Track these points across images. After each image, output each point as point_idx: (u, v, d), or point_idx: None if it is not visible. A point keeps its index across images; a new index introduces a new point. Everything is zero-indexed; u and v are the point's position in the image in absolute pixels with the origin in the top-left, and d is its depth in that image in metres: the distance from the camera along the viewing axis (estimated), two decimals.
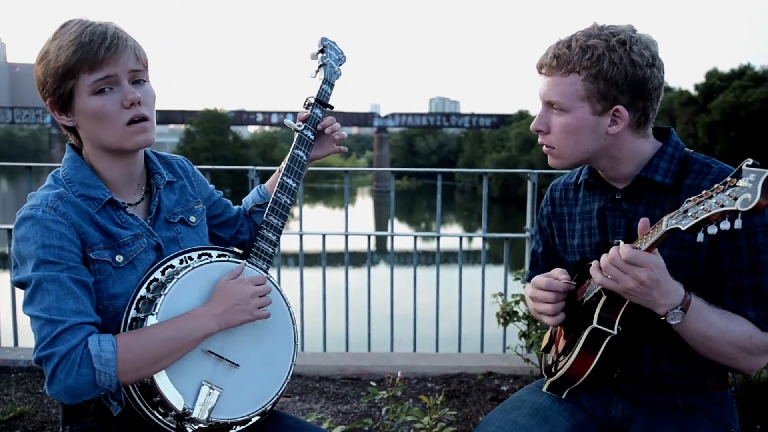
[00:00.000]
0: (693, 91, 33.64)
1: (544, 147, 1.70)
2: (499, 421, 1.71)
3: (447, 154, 76.90)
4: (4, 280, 4.43)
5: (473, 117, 63.13)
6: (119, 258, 1.47)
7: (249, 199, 1.95)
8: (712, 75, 32.79)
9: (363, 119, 63.76)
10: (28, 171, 4.46)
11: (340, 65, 1.99)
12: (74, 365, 1.30)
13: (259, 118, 61.44)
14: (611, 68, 1.53)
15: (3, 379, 3.76)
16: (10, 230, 4.38)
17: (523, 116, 55.59)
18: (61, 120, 1.48)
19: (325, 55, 1.96)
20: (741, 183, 1.21)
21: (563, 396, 1.75)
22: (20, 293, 4.23)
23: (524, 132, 48.64)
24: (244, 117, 62.06)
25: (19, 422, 3.20)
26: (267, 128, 76.35)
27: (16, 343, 4.34)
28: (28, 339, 4.33)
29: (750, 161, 1.25)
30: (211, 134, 57.20)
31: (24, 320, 4.26)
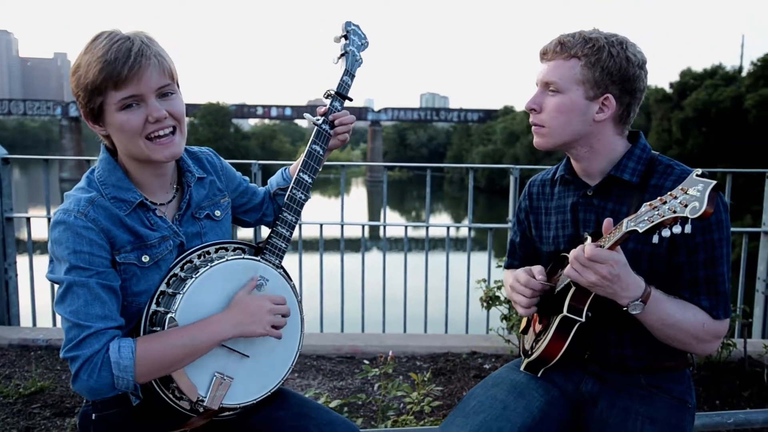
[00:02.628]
0: (668, 89, 33.66)
1: (534, 126, 1.75)
2: (480, 396, 1.78)
3: (437, 146, 76.72)
4: (23, 264, 4.45)
5: (461, 112, 62.96)
6: (145, 258, 1.47)
7: (273, 182, 1.92)
8: (686, 74, 32.80)
9: (357, 113, 63.46)
10: (44, 164, 4.48)
11: (363, 51, 1.87)
12: (96, 369, 1.34)
13: (259, 111, 61.12)
14: (608, 59, 1.61)
15: (23, 356, 3.80)
16: (27, 219, 4.42)
17: (508, 111, 55.49)
18: (94, 129, 1.48)
19: (348, 42, 1.84)
20: (691, 192, 1.27)
21: (539, 374, 1.82)
22: (39, 276, 4.28)
23: (509, 126, 48.62)
24: (245, 110, 61.70)
25: (40, 396, 3.25)
26: (267, 121, 76.03)
27: (34, 323, 4.39)
28: (46, 319, 4.40)
29: (699, 171, 1.31)
30: (214, 126, 56.83)
31: (42, 302, 4.31)
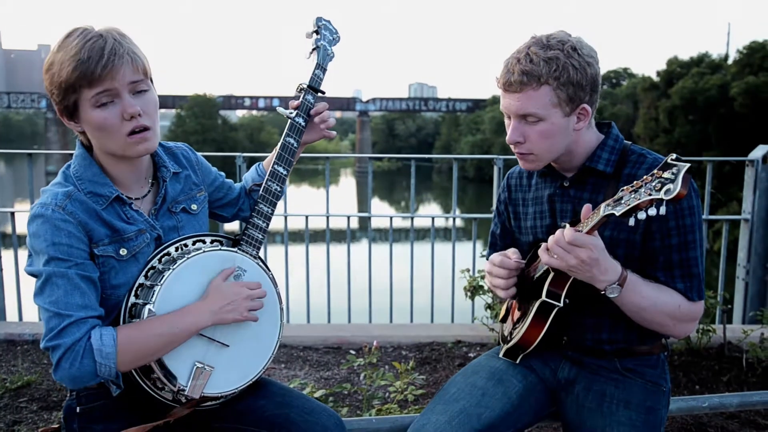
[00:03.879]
0: (655, 78, 33.78)
1: (519, 155, 1.74)
2: (460, 384, 1.82)
3: (425, 136, 76.67)
4: (8, 258, 4.44)
5: (450, 102, 62.93)
6: (123, 251, 1.49)
7: (248, 178, 1.95)
8: (673, 62, 32.90)
9: (346, 104, 63.28)
10: (28, 158, 4.47)
11: (334, 46, 1.92)
12: (78, 357, 1.35)
13: (247, 102, 60.77)
14: (575, 73, 1.61)
15: (10, 351, 3.81)
16: (12, 213, 4.41)
17: (496, 101, 54.60)
18: (70, 125, 1.50)
19: (319, 36, 1.89)
20: (666, 175, 1.31)
21: (517, 361, 1.86)
22: (23, 271, 4.29)
23: (498, 116, 48.55)
24: (232, 101, 61.32)
25: (26, 390, 3.26)
26: (254, 112, 75.57)
27: (20, 318, 4.39)
28: (32, 314, 4.39)
29: (674, 155, 1.35)
30: (201, 118, 56.47)
31: (28, 296, 4.31)
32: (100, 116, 1.43)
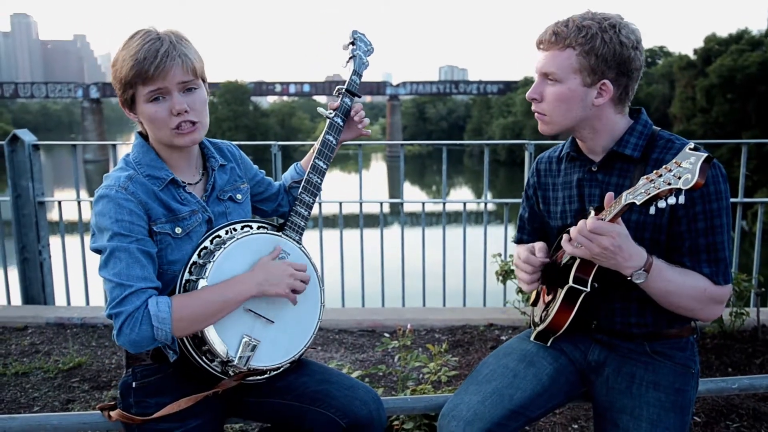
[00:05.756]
0: (692, 56, 32.98)
1: (536, 114, 1.82)
2: (492, 365, 1.88)
3: (456, 119, 76.19)
4: (57, 246, 4.64)
5: (481, 84, 62.35)
6: (178, 230, 1.63)
7: (288, 176, 2.10)
8: (711, 39, 32.09)
9: (376, 88, 63.18)
10: (72, 148, 4.65)
11: (369, 56, 2.10)
12: (137, 323, 1.48)
13: (278, 88, 61.15)
14: (602, 46, 1.66)
15: (60, 333, 3.99)
16: (59, 202, 4.59)
17: (528, 82, 54.76)
18: (129, 116, 1.66)
19: (355, 47, 2.07)
20: (684, 165, 1.35)
21: (548, 344, 1.91)
22: (71, 257, 4.46)
23: None
24: (263, 88, 61.78)
25: (78, 371, 3.43)
26: (285, 98, 75.94)
27: (68, 302, 4.59)
28: (79, 298, 4.59)
29: (692, 144, 1.39)
30: (233, 105, 57.06)
31: (75, 283, 4.50)
32: (152, 110, 1.59)
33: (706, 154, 1.34)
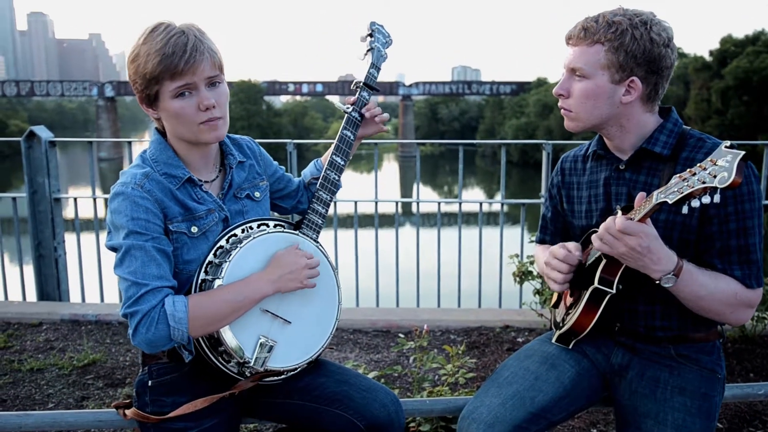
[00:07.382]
0: (707, 57, 32.68)
1: (562, 110, 1.78)
2: (513, 368, 1.84)
3: (469, 120, 75.98)
4: (72, 242, 4.65)
5: (494, 84, 62.21)
6: (194, 229, 1.60)
7: (307, 172, 2.06)
8: (727, 41, 31.78)
9: (389, 88, 63.16)
10: (89, 145, 4.65)
11: (387, 48, 2.03)
12: (153, 322, 1.45)
13: (291, 88, 61.34)
14: (632, 42, 1.62)
15: (75, 330, 3.99)
16: (75, 199, 4.60)
17: (541, 83, 54.62)
18: (148, 112, 1.61)
19: (373, 39, 2.00)
20: (720, 163, 1.30)
21: (570, 346, 1.87)
22: (86, 254, 4.47)
23: (543, 98, 47.85)
24: (276, 87, 61.99)
25: (92, 368, 3.43)
26: (298, 98, 76.19)
27: (83, 299, 4.59)
28: (94, 295, 4.59)
29: (728, 143, 1.34)
30: (246, 104, 57.27)
31: (90, 279, 4.51)
32: (178, 105, 1.54)
33: (743, 153, 1.29)
